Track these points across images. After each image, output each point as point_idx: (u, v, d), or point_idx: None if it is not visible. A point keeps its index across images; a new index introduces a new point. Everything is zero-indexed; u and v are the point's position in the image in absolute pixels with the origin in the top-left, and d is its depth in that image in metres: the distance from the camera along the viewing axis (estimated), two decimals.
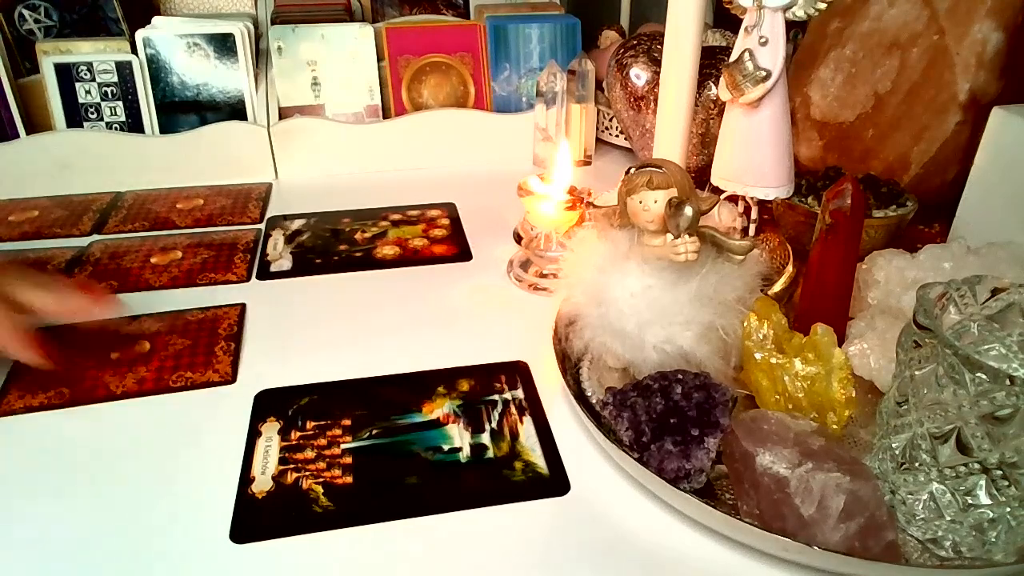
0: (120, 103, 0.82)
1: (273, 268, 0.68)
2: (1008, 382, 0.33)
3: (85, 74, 0.81)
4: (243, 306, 0.61)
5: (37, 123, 0.82)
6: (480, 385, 0.52)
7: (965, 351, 0.34)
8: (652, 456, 0.41)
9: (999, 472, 0.36)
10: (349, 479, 0.44)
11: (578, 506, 0.42)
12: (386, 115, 0.90)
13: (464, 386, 0.52)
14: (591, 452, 0.46)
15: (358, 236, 0.73)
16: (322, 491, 0.43)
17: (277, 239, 0.73)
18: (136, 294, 0.63)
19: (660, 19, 0.60)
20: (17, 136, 0.81)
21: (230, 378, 0.52)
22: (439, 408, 0.49)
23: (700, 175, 0.74)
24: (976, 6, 0.64)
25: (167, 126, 0.84)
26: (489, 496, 0.43)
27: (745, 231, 0.59)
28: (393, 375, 0.53)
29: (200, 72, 0.84)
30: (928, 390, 0.36)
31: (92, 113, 0.82)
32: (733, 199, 0.58)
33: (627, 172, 0.47)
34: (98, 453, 0.46)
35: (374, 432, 0.47)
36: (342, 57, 0.86)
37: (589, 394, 0.50)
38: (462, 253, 0.71)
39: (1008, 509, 0.36)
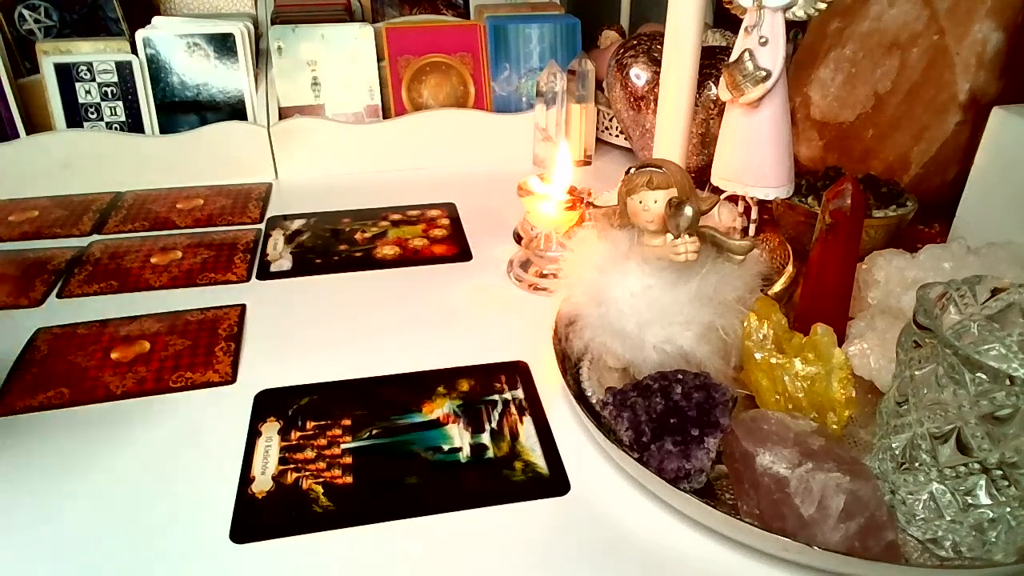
0: (120, 103, 0.82)
1: (273, 268, 0.68)
2: (1008, 382, 0.33)
3: (85, 74, 0.81)
4: (243, 306, 0.61)
5: (37, 123, 0.82)
6: (480, 385, 0.52)
7: (965, 351, 0.34)
8: (652, 456, 0.41)
9: (999, 472, 0.36)
10: (349, 479, 0.44)
11: (578, 506, 0.42)
12: (386, 115, 0.90)
13: (464, 386, 0.52)
14: (591, 452, 0.46)
15: (358, 236, 0.73)
16: (322, 491, 0.43)
17: (277, 239, 0.73)
18: (136, 294, 0.63)
19: (660, 19, 0.60)
20: (17, 136, 0.81)
21: (230, 378, 0.52)
22: (439, 408, 0.49)
23: (700, 175, 0.74)
24: (976, 6, 0.64)
25: (167, 126, 0.84)
26: (489, 496, 0.43)
27: (745, 231, 0.59)
28: (393, 375, 0.53)
29: (200, 72, 0.84)
30: (928, 390, 0.36)
31: (92, 113, 0.82)
32: (733, 199, 0.58)
33: (627, 172, 0.47)
34: (98, 453, 0.46)
35: (374, 432, 0.47)
36: (342, 57, 0.86)
37: (589, 394, 0.50)
38: (462, 253, 0.71)
39: (1008, 509, 0.36)
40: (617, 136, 0.95)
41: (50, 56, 0.80)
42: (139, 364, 0.54)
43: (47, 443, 0.47)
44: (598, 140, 0.94)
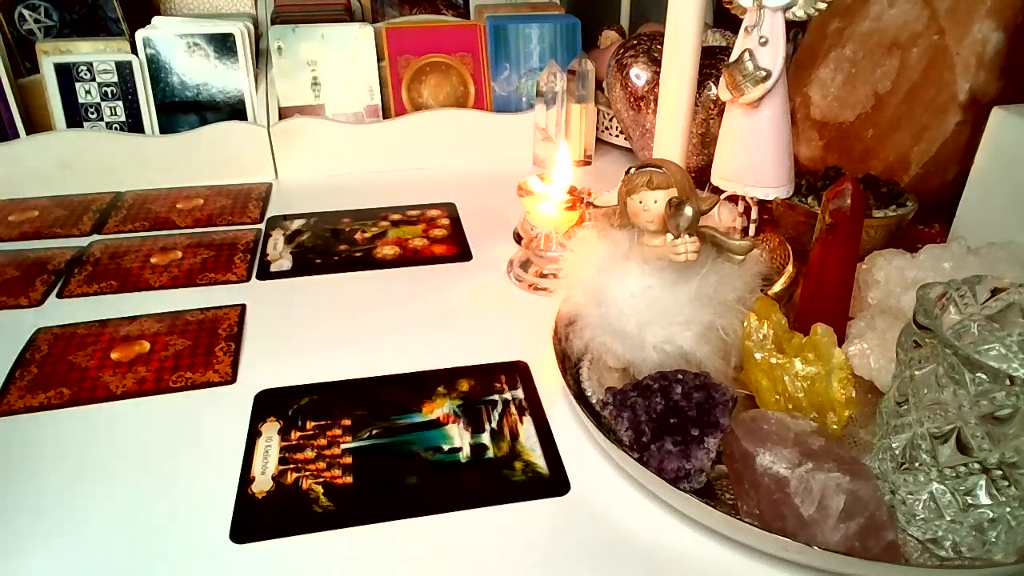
0: (120, 103, 0.82)
1: (273, 268, 0.68)
2: (1008, 382, 0.33)
3: (85, 74, 0.81)
4: (243, 306, 0.61)
5: (37, 123, 0.82)
6: (480, 385, 0.52)
7: (965, 351, 0.34)
8: (652, 456, 0.41)
9: (999, 472, 0.36)
10: (349, 479, 0.44)
11: (578, 506, 0.42)
12: (386, 115, 0.90)
13: (464, 386, 0.52)
14: (591, 452, 0.46)
15: (358, 236, 0.73)
16: (322, 491, 0.43)
17: (277, 239, 0.73)
18: (136, 294, 0.63)
19: (660, 19, 0.60)
20: (17, 136, 0.81)
21: (230, 378, 0.52)
22: (439, 408, 0.49)
23: (700, 175, 0.74)
24: (976, 6, 0.64)
25: (167, 126, 0.84)
26: (489, 496, 0.43)
27: (745, 231, 0.59)
28: (393, 375, 0.53)
29: (200, 72, 0.84)
30: (928, 390, 0.36)
31: (92, 113, 0.82)
32: (733, 199, 0.58)
33: (627, 172, 0.47)
34: (98, 453, 0.46)
35: (374, 432, 0.47)
36: (342, 57, 0.86)
37: (589, 394, 0.50)
38: (462, 253, 0.71)
39: (1008, 509, 0.36)
40: (617, 136, 0.95)
41: (50, 56, 0.80)
42: (139, 364, 0.54)
43: (47, 443, 0.47)
44: (598, 140, 0.94)
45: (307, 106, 0.87)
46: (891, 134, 0.70)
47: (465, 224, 0.76)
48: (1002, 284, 0.39)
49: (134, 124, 0.83)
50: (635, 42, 0.82)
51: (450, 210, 0.79)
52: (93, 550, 0.39)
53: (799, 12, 0.49)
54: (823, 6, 0.48)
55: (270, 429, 0.48)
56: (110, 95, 0.82)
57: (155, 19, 0.83)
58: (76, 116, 0.82)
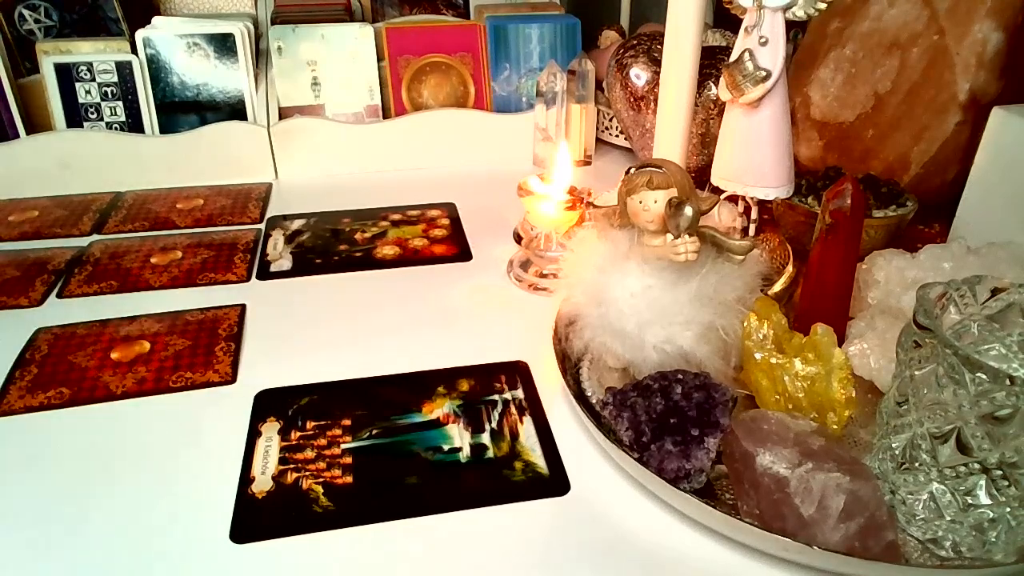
0: (120, 103, 0.82)
1: (273, 268, 0.68)
2: (1008, 382, 0.33)
3: (85, 74, 0.81)
4: (243, 306, 0.61)
5: (37, 123, 0.82)
6: (480, 385, 0.52)
7: (965, 351, 0.34)
8: (652, 456, 0.41)
9: (999, 472, 0.36)
10: (349, 479, 0.44)
11: (578, 506, 0.42)
12: (386, 115, 0.90)
13: (464, 386, 0.52)
14: (591, 452, 0.46)
15: (358, 236, 0.73)
16: (322, 491, 0.43)
17: (277, 239, 0.73)
18: (136, 294, 0.63)
19: (660, 19, 0.60)
20: (17, 136, 0.81)
21: (230, 378, 0.52)
22: (439, 408, 0.49)
23: (700, 175, 0.74)
24: (976, 6, 0.64)
25: (167, 126, 0.84)
26: (489, 496, 0.43)
27: (745, 231, 0.59)
28: (393, 375, 0.53)
29: (200, 72, 0.84)
30: (928, 390, 0.36)
31: (92, 113, 0.82)
32: (733, 199, 0.58)
33: (627, 172, 0.47)
34: (98, 453, 0.46)
35: (374, 432, 0.47)
36: (342, 57, 0.86)
37: (589, 394, 0.50)
38: (462, 253, 0.71)
39: (1008, 509, 0.36)
40: (617, 136, 0.95)
41: (50, 56, 0.80)
42: (139, 364, 0.54)
43: (47, 443, 0.47)
44: (598, 140, 0.94)
45: (307, 106, 0.87)
46: (891, 134, 0.70)
47: (465, 224, 0.76)
48: (1002, 284, 0.39)
49: (134, 124, 0.83)
50: (635, 42, 0.82)
51: (450, 210, 0.79)
52: (93, 550, 0.39)
53: (799, 12, 0.49)
54: (823, 6, 0.48)
55: (270, 429, 0.48)
56: (110, 95, 0.82)
57: (155, 19, 0.83)
58: (76, 116, 0.82)
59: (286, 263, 0.68)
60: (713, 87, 0.73)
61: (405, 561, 0.39)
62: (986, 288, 0.39)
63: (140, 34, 0.81)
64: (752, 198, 0.57)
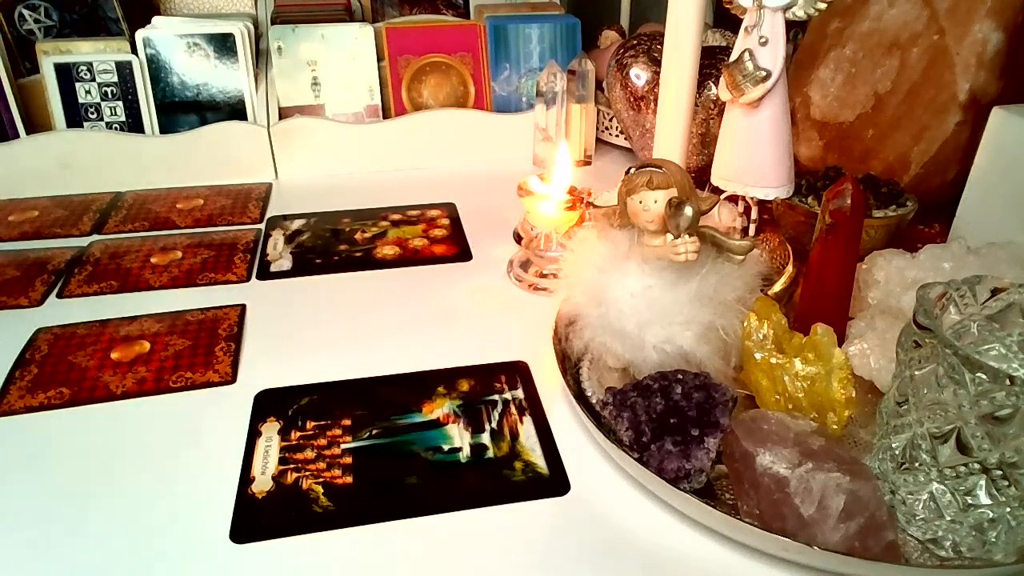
0: (120, 103, 0.82)
1: (273, 268, 0.68)
2: (1008, 382, 0.33)
3: (85, 74, 0.81)
4: (243, 306, 0.61)
5: (37, 123, 0.82)
6: (480, 385, 0.52)
7: (965, 351, 0.34)
8: (652, 456, 0.41)
9: (999, 472, 0.36)
10: (349, 479, 0.44)
11: (578, 506, 0.42)
12: (386, 115, 0.90)
13: (464, 386, 0.52)
14: (591, 452, 0.46)
15: (358, 236, 0.73)
16: (322, 491, 0.43)
17: (277, 239, 0.73)
18: (136, 294, 0.63)
19: (660, 19, 0.60)
20: (17, 136, 0.81)
21: (230, 378, 0.52)
22: (439, 408, 0.49)
23: (700, 175, 0.74)
24: (976, 6, 0.64)
25: (167, 126, 0.84)
26: (489, 496, 0.43)
27: (745, 231, 0.59)
28: (393, 375, 0.53)
29: (200, 72, 0.84)
30: (928, 390, 0.36)
31: (92, 113, 0.82)
32: (733, 199, 0.58)
33: (627, 172, 0.47)
34: (98, 453, 0.46)
35: (374, 432, 0.47)
36: (342, 57, 0.86)
37: (589, 394, 0.50)
38: (462, 253, 0.71)
39: (1008, 509, 0.36)
40: (617, 136, 0.95)
41: (50, 56, 0.80)
42: (139, 364, 0.54)
43: (47, 443, 0.47)
44: (598, 140, 0.94)
45: (307, 106, 0.87)
46: (891, 134, 0.70)
47: (465, 224, 0.76)
48: (1002, 284, 0.39)
49: (134, 124, 0.83)
50: (635, 42, 0.82)
51: (450, 210, 0.79)
52: (93, 550, 0.39)
53: (799, 12, 0.49)
54: (823, 6, 0.48)
55: (270, 429, 0.48)
56: (110, 95, 0.82)
57: (155, 19, 0.83)
58: (76, 116, 0.82)
59: (286, 263, 0.68)
60: (713, 87, 0.73)
61: (405, 561, 0.39)
62: (986, 288, 0.39)
63: (140, 34, 0.81)
64: (752, 198, 0.57)
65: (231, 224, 0.76)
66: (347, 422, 0.48)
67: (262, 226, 0.76)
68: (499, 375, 0.53)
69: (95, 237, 0.73)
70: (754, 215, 0.58)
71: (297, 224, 0.76)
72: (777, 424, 0.40)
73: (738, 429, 0.40)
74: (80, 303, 0.62)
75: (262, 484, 0.43)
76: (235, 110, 0.85)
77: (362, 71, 0.87)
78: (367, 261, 0.69)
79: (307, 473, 0.44)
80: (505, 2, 1.04)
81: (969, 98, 0.65)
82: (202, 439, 0.47)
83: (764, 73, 0.50)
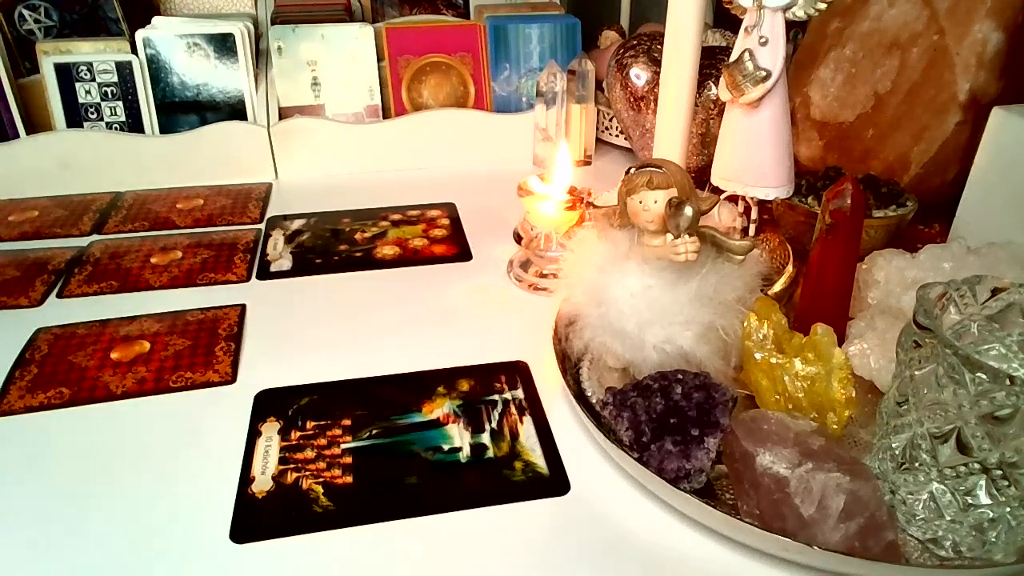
0: (120, 103, 0.82)
1: (273, 268, 0.68)
2: (1008, 382, 0.33)
3: (85, 74, 0.81)
4: (243, 306, 0.61)
5: (37, 123, 0.82)
6: (480, 385, 0.52)
7: (965, 351, 0.34)
8: (652, 456, 0.41)
9: (999, 472, 0.36)
10: (349, 479, 0.44)
11: (578, 506, 0.42)
12: (386, 115, 0.90)
13: (464, 386, 0.52)
14: (591, 452, 0.46)
15: (358, 236, 0.73)
16: (322, 491, 0.43)
17: (277, 239, 0.73)
18: (136, 294, 0.63)
19: (660, 19, 0.60)
20: (17, 136, 0.81)
21: (230, 378, 0.52)
22: (439, 408, 0.49)
23: (700, 175, 0.74)
24: (976, 6, 0.64)
25: (167, 126, 0.84)
26: (489, 496, 0.43)
27: (745, 231, 0.59)
28: (393, 375, 0.53)
29: (200, 72, 0.84)
30: (928, 390, 0.36)
31: (92, 113, 0.82)
32: (733, 199, 0.58)
33: (627, 172, 0.47)
34: (98, 453, 0.46)
35: (374, 432, 0.47)
36: (342, 57, 0.86)
37: (589, 394, 0.50)
38: (462, 253, 0.71)
39: (1008, 509, 0.36)
40: (617, 136, 0.95)
41: (50, 56, 0.80)
42: (139, 364, 0.54)
43: (47, 443, 0.47)
44: (598, 140, 0.94)
45: (307, 106, 0.87)
46: (891, 134, 0.70)
47: (465, 224, 0.76)
48: (1002, 284, 0.39)
49: (134, 124, 0.83)
50: (635, 42, 0.82)
51: (450, 210, 0.79)
52: (93, 550, 0.39)
53: (799, 12, 0.49)
54: (823, 6, 0.48)
55: (270, 429, 0.48)
56: (110, 95, 0.82)
57: (155, 19, 0.83)
58: (76, 116, 0.82)
59: (286, 263, 0.68)
60: (713, 87, 0.73)
61: (405, 561, 0.39)
62: (986, 288, 0.39)
63: (140, 34, 0.81)
64: (752, 198, 0.57)
65: (231, 224, 0.76)
66: (347, 422, 0.48)
67: (262, 226, 0.76)
68: (499, 375, 0.53)
69: (95, 237, 0.73)
70: (754, 215, 0.58)
71: (297, 224, 0.76)
72: (777, 424, 0.40)
73: (738, 429, 0.40)
74: (80, 303, 0.62)
75: (262, 484, 0.43)
76: (235, 110, 0.85)
77: (362, 71, 0.87)
78: (367, 261, 0.69)
79: (307, 473, 0.44)
80: (505, 2, 1.04)
81: (969, 98, 0.65)
82: (202, 439, 0.47)
83: (764, 73, 0.50)
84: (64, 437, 0.47)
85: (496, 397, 0.50)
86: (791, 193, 0.56)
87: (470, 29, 0.90)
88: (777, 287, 0.57)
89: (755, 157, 0.54)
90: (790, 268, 0.59)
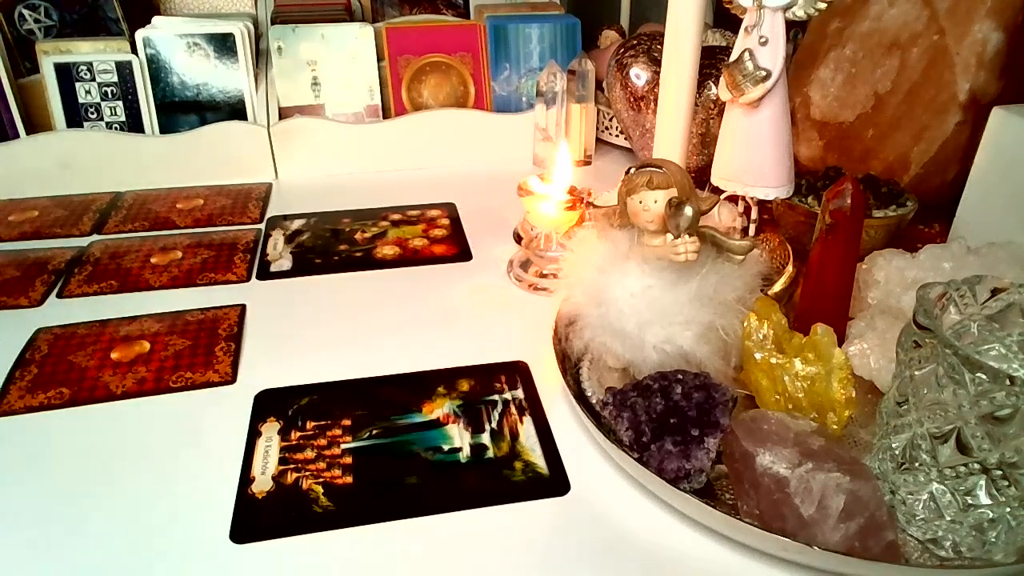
0: (120, 103, 0.82)
1: (273, 268, 0.68)
2: (1008, 382, 0.33)
3: (85, 74, 0.81)
4: (243, 306, 0.61)
5: (37, 123, 0.82)
6: (480, 385, 0.52)
7: (965, 351, 0.34)
8: (652, 456, 0.41)
9: (999, 472, 0.36)
10: (349, 479, 0.44)
11: (578, 506, 0.42)
12: (386, 115, 0.90)
13: (464, 386, 0.52)
14: (591, 452, 0.46)
15: (358, 236, 0.73)
16: (322, 491, 0.43)
17: (277, 239, 0.73)
18: (136, 294, 0.63)
19: (660, 19, 0.60)
20: (17, 136, 0.81)
21: (230, 378, 0.52)
22: (439, 408, 0.49)
23: (700, 175, 0.74)
24: (976, 6, 0.64)
25: (167, 126, 0.84)
26: (489, 496, 0.43)
27: (745, 231, 0.59)
28: (393, 375, 0.53)
29: (200, 72, 0.84)
30: (928, 390, 0.36)
31: (92, 113, 0.82)
32: (733, 199, 0.58)
33: (627, 172, 0.47)
34: (98, 453, 0.46)
35: (374, 432, 0.47)
36: (342, 57, 0.86)
37: (589, 394, 0.50)
38: (462, 253, 0.71)
39: (1008, 509, 0.36)
40: (617, 136, 0.95)
41: (50, 56, 0.80)
42: (139, 364, 0.54)
43: (47, 443, 0.47)
44: (598, 140, 0.94)
45: (307, 106, 0.87)
46: (891, 134, 0.70)
47: (465, 224, 0.76)
48: (1002, 284, 0.39)
49: (134, 124, 0.83)
50: (635, 42, 0.82)
51: (450, 210, 0.79)
52: (93, 550, 0.39)
53: (799, 12, 0.49)
54: (823, 6, 0.48)
55: (270, 429, 0.48)
56: (110, 95, 0.82)
57: (155, 19, 0.83)
58: (76, 116, 0.82)
59: (286, 263, 0.68)
60: (713, 87, 0.73)
61: (405, 561, 0.39)
62: (986, 288, 0.39)
63: (140, 34, 0.81)
64: (752, 198, 0.57)
65: (231, 224, 0.76)
66: (347, 422, 0.48)
67: (262, 226, 0.76)
68: (499, 375, 0.53)
69: (95, 237, 0.73)
70: (754, 215, 0.58)
71: (297, 224, 0.76)
72: (777, 424, 0.40)
73: (738, 429, 0.40)
74: (80, 303, 0.62)
75: (262, 484, 0.43)
76: (235, 110, 0.85)
77: (362, 71, 0.87)
78: (367, 261, 0.69)
79: (307, 473, 0.44)
80: (505, 2, 1.04)
81: (969, 98, 0.65)
82: (202, 439, 0.47)
83: (764, 73, 0.50)
84: (64, 437, 0.47)
85: (496, 397, 0.50)
86: (791, 193, 0.56)
87: (470, 29, 0.90)
88: (777, 287, 0.57)
89: (755, 157, 0.54)
90: (790, 268, 0.59)
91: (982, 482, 0.36)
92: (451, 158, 0.90)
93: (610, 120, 0.95)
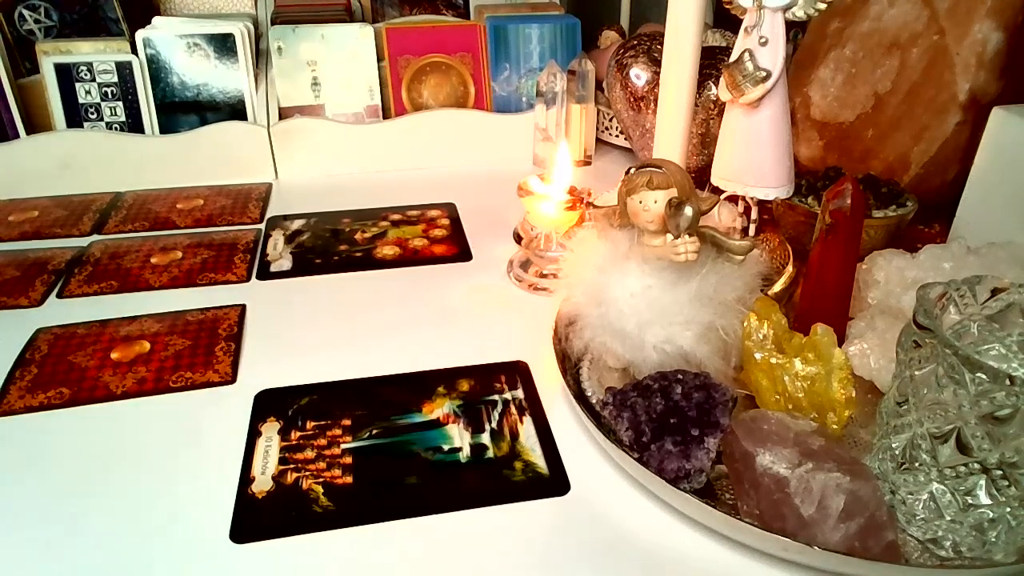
0: (120, 103, 0.82)
1: (273, 268, 0.68)
2: (1008, 382, 0.33)
3: (85, 74, 0.81)
4: (243, 306, 0.61)
5: (37, 123, 0.82)
6: (480, 385, 0.52)
7: (965, 351, 0.34)
8: (652, 456, 0.41)
9: (999, 472, 0.36)
10: (349, 479, 0.44)
11: (578, 506, 0.42)
12: (386, 115, 0.90)
13: (464, 386, 0.52)
14: (591, 452, 0.46)
15: (358, 236, 0.73)
16: (322, 491, 0.43)
17: (277, 239, 0.73)
18: (136, 294, 0.63)
19: (660, 19, 0.60)
20: (17, 136, 0.81)
21: (230, 378, 0.52)
22: (439, 408, 0.49)
23: (700, 175, 0.74)
24: (976, 6, 0.64)
25: (167, 126, 0.84)
26: (489, 496, 0.43)
27: (745, 231, 0.59)
28: (393, 375, 0.53)
29: (200, 72, 0.84)
30: (928, 390, 0.36)
31: (92, 113, 0.82)
32: (733, 199, 0.58)
33: (627, 172, 0.47)
34: (98, 453, 0.46)
35: (374, 432, 0.47)
36: (342, 57, 0.86)
37: (589, 394, 0.50)
38: (462, 253, 0.71)
39: (1008, 509, 0.36)
40: (617, 136, 0.95)
41: (50, 56, 0.80)
42: (139, 364, 0.54)
43: (47, 443, 0.47)
44: (598, 140, 0.94)
45: (307, 106, 0.87)
46: (891, 134, 0.70)
47: (465, 224, 0.76)
48: (1002, 284, 0.39)
49: (134, 124, 0.83)
50: (635, 42, 0.82)
51: (450, 210, 0.79)
52: (93, 550, 0.39)
53: (799, 12, 0.49)
54: (823, 6, 0.48)
55: (270, 429, 0.48)
56: (110, 95, 0.82)
57: (155, 19, 0.83)
58: (76, 116, 0.82)
59: (286, 263, 0.68)
60: (713, 87, 0.73)
61: (405, 561, 0.39)
62: (986, 288, 0.39)
63: (140, 34, 0.81)
64: (752, 198, 0.57)
65: (231, 224, 0.76)
66: (347, 422, 0.48)
67: (262, 226, 0.76)
68: (499, 375, 0.53)
69: (95, 237, 0.73)
70: (754, 215, 0.58)
71: (297, 224, 0.76)
72: (777, 424, 0.40)
73: (738, 429, 0.40)
74: (80, 303, 0.62)
75: (262, 484, 0.43)
76: (235, 110, 0.85)
77: (362, 71, 0.87)
78: (367, 261, 0.69)
79: (307, 473, 0.44)
80: (505, 2, 1.04)
81: (969, 98, 0.65)
82: (202, 439, 0.47)
83: (764, 73, 0.50)
84: (64, 437, 0.47)
85: (496, 397, 0.50)
86: (791, 193, 0.55)
87: (470, 29, 0.90)
88: (777, 287, 0.57)
89: (755, 157, 0.54)
90: (790, 268, 0.59)
91: (982, 482, 0.36)
92: (451, 158, 0.90)
93: (610, 120, 0.95)
